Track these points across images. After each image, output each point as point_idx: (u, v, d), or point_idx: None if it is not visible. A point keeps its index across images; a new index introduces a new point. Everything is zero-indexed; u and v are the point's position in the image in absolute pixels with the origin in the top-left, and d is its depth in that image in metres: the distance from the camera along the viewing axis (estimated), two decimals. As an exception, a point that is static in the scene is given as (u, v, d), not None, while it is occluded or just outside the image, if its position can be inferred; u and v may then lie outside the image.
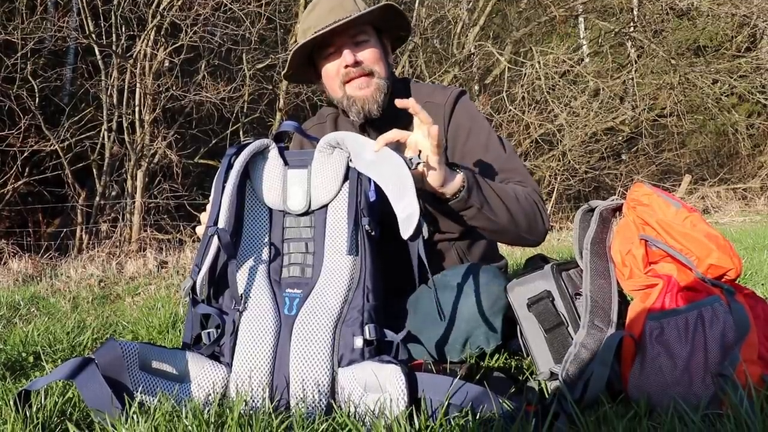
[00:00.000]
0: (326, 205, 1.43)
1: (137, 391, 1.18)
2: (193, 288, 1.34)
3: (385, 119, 1.64)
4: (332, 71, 1.64)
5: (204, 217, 1.44)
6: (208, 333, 1.33)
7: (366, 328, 1.28)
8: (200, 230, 1.46)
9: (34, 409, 1.19)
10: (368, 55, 1.61)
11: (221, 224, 1.35)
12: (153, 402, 1.18)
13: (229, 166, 1.41)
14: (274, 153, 1.47)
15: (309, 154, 1.46)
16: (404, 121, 1.65)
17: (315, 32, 1.56)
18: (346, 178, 1.42)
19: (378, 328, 1.29)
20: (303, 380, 1.22)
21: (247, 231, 1.44)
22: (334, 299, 1.32)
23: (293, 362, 1.24)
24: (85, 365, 1.17)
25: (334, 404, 1.19)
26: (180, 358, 1.26)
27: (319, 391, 1.21)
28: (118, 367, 1.19)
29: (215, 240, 1.34)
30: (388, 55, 1.70)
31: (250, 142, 1.45)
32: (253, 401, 1.21)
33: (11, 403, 1.17)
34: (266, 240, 1.43)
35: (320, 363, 1.23)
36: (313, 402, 1.20)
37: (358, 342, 1.26)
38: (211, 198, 1.40)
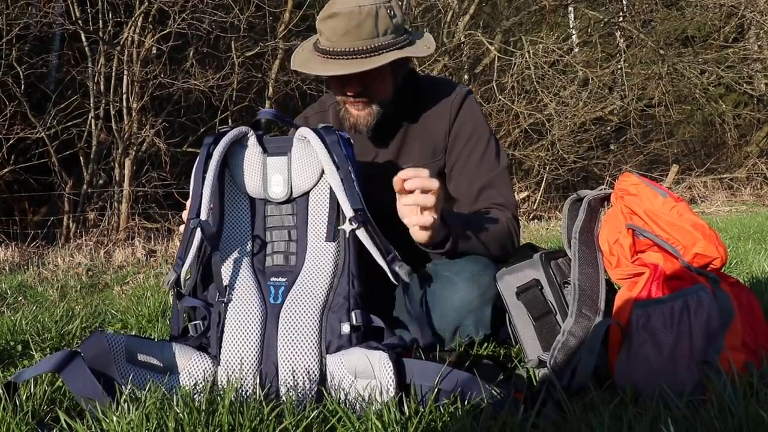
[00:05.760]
0: (308, 192, 1.42)
1: (125, 384, 1.18)
2: (177, 281, 1.33)
3: (376, 132, 1.64)
4: (334, 85, 1.59)
5: (185, 213, 1.42)
6: (195, 325, 1.33)
7: (353, 314, 1.29)
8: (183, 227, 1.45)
9: (23, 397, 1.19)
10: (372, 87, 1.54)
11: (203, 216, 1.33)
12: (141, 394, 1.18)
13: (208, 156, 1.39)
14: (252, 140, 1.45)
15: (288, 141, 1.45)
16: (393, 135, 1.69)
17: (325, 56, 1.50)
18: None
19: (365, 314, 1.30)
20: (292, 368, 1.23)
21: (229, 221, 1.43)
22: (320, 286, 1.33)
23: (281, 350, 1.25)
24: (71, 359, 1.17)
25: (324, 391, 1.20)
26: (167, 350, 1.26)
27: (309, 378, 1.22)
28: (104, 360, 1.19)
29: (198, 232, 1.33)
30: (399, 68, 1.59)
31: (228, 131, 1.42)
32: (243, 390, 1.21)
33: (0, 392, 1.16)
34: (248, 229, 1.43)
35: (308, 350, 1.24)
36: (303, 389, 1.21)
37: (345, 328, 1.27)
38: (191, 190, 1.38)
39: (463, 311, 1.46)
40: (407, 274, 1.29)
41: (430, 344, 1.39)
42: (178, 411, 1.06)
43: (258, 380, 1.23)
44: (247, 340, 1.26)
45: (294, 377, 1.22)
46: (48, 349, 1.85)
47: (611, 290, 1.38)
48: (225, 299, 1.32)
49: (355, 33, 1.46)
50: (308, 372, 1.22)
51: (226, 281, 1.35)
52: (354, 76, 1.49)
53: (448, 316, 1.47)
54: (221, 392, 1.16)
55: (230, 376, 1.23)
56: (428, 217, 1.32)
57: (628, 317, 1.23)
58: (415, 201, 1.31)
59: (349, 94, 1.55)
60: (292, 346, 1.25)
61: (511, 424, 1.01)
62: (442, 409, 1.07)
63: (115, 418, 1.04)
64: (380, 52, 1.47)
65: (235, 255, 1.39)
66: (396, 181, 1.32)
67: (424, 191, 1.30)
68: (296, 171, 1.41)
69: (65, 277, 3.69)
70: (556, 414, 1.07)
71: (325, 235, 1.37)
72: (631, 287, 1.28)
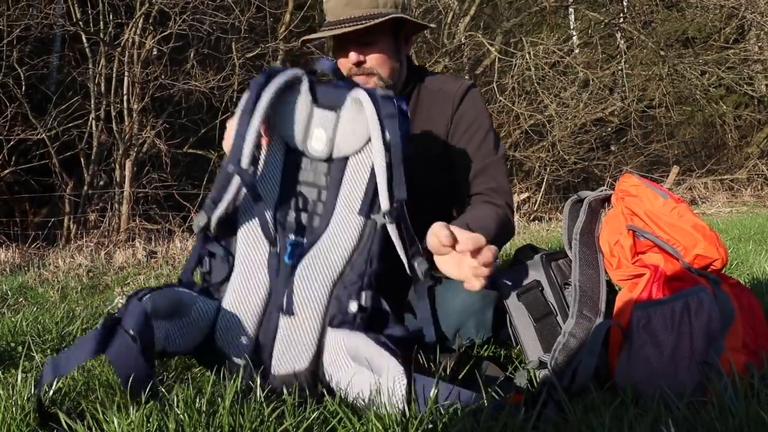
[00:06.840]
0: (348, 157, 1.35)
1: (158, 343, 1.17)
2: (207, 225, 1.28)
3: None
4: (341, 61, 1.63)
5: (227, 138, 1.34)
6: (202, 272, 1.31)
7: (363, 294, 1.26)
8: (226, 146, 1.36)
9: (25, 397, 1.19)
10: (372, 58, 1.59)
11: (244, 164, 1.26)
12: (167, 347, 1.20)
13: (257, 98, 1.28)
14: (305, 87, 1.34)
15: (342, 95, 1.34)
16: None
17: (329, 28, 1.57)
18: None
19: (375, 296, 1.27)
20: (292, 331, 1.24)
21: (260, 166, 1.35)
22: (338, 257, 1.29)
23: (286, 312, 1.25)
24: (113, 333, 1.08)
25: (324, 391, 1.20)
26: (177, 295, 1.23)
27: (305, 344, 1.23)
28: (149, 332, 1.13)
29: (237, 179, 1.27)
30: (401, 49, 1.68)
31: (281, 70, 1.33)
32: (240, 346, 1.23)
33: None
34: (278, 179, 1.35)
35: (311, 318, 1.24)
36: (298, 354, 1.22)
37: (353, 306, 1.25)
38: (234, 129, 1.29)
39: (465, 313, 1.46)
40: (423, 273, 1.27)
41: (432, 343, 1.38)
42: (179, 412, 1.06)
43: (254, 341, 1.23)
44: (254, 292, 1.25)
45: (291, 340, 1.22)
46: (49, 350, 1.85)
47: (612, 291, 1.38)
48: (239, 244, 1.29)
49: (356, 2, 1.54)
50: (306, 338, 1.23)
51: (247, 228, 1.30)
52: (353, 39, 1.56)
53: (449, 318, 1.47)
54: (223, 390, 1.15)
55: (232, 322, 1.23)
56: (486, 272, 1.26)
57: (629, 318, 1.23)
58: (482, 273, 1.24)
59: (350, 61, 1.59)
60: (297, 310, 1.24)
61: (511, 426, 1.01)
62: (442, 411, 1.06)
63: (115, 419, 1.04)
64: (378, 18, 1.53)
65: (259, 203, 1.31)
66: (445, 237, 1.23)
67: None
68: (342, 132, 1.33)
69: (66, 279, 3.69)
70: (556, 415, 1.07)
71: (357, 207, 1.31)
72: (632, 288, 1.28)
